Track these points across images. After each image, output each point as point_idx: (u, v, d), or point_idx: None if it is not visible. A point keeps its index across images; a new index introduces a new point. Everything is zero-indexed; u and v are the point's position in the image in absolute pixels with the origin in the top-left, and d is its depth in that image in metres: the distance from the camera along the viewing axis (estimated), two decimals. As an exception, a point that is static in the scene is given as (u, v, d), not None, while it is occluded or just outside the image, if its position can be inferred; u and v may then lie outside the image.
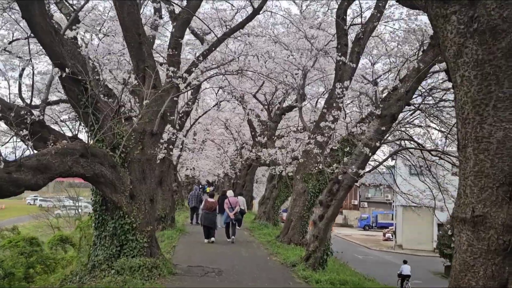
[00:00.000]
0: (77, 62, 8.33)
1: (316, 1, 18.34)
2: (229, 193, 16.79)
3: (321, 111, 13.98)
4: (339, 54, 14.28)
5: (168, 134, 13.93)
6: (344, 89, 11.95)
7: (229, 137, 35.09)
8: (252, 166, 28.42)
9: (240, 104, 26.32)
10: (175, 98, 12.04)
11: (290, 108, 22.27)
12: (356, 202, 69.36)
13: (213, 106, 27.47)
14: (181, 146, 29.32)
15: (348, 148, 11.89)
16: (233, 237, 15.24)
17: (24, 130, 7.81)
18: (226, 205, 15.33)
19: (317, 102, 25.22)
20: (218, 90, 26.14)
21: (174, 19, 14.08)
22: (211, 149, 39.71)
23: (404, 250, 39.68)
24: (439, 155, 10.69)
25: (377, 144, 9.73)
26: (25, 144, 8.38)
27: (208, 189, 37.80)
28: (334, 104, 12.62)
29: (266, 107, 23.18)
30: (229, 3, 19.83)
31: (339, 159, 14.60)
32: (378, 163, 15.48)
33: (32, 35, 9.32)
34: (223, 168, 37.84)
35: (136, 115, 9.43)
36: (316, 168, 12.22)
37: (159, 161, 14.66)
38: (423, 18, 17.63)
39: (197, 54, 14.62)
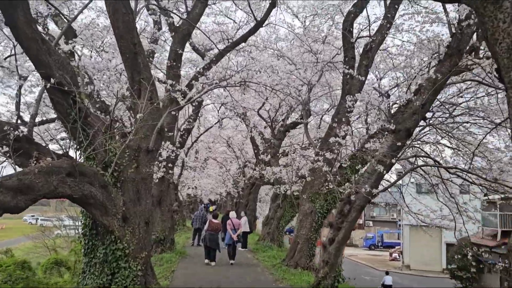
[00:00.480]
0: (66, 73, 7.65)
1: (319, 15, 17.72)
2: (232, 214, 16.31)
3: (329, 126, 13.25)
4: (347, 67, 13.63)
5: (168, 151, 13.19)
6: (354, 102, 11.24)
7: (232, 155, 34.43)
8: (255, 185, 27.60)
9: (242, 121, 25.70)
10: (173, 113, 11.36)
11: (294, 125, 21.57)
12: (361, 221, 68.17)
13: (215, 124, 26.82)
14: (181, 165, 28.66)
15: (359, 165, 11.11)
16: (232, 261, 14.92)
17: (5, 146, 7.13)
18: (229, 226, 14.94)
19: (321, 119, 24.58)
20: (220, 107, 25.56)
21: (174, 31, 13.51)
22: (213, 167, 39.04)
23: (411, 271, 38.54)
24: (458, 172, 9.93)
25: (393, 161, 8.97)
26: (8, 162, 7.70)
27: (211, 208, 37.11)
28: (344, 119, 11.89)
29: (270, 124, 22.47)
30: (230, 19, 19.32)
31: (347, 177, 13.85)
32: (388, 182, 14.71)
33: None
34: (225, 187, 37.11)
35: (131, 131, 8.72)
36: (326, 187, 11.41)
37: (157, 180, 13.92)
38: (435, 29, 16.81)
39: (198, 69, 14.01)
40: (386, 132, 9.38)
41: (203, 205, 40.09)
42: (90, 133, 8.00)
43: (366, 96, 12.14)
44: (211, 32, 18.09)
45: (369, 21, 14.01)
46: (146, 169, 8.49)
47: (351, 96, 11.42)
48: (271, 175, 18.86)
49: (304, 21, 18.25)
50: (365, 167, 15.04)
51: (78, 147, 7.88)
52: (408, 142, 10.40)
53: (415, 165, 10.60)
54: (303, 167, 19.91)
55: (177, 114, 15.11)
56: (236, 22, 19.24)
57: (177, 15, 12.41)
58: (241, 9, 17.99)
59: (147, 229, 8.41)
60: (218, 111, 25.37)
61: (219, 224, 14.64)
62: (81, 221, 8.43)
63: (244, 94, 20.66)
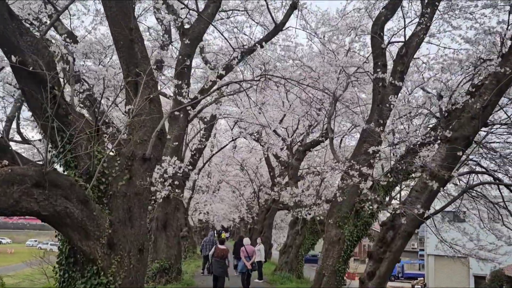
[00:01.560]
0: (41, 58, 6.04)
1: (340, 31, 16.06)
2: (246, 240, 15.31)
3: (361, 137, 11.49)
4: (379, 70, 12.00)
5: (174, 168, 11.49)
6: (394, 101, 9.52)
7: (245, 178, 32.69)
8: (271, 210, 25.66)
9: (257, 141, 24.07)
10: (177, 113, 9.67)
11: (315, 144, 19.76)
12: (379, 250, 65.28)
13: (230, 142, 25.16)
14: (192, 187, 26.97)
15: (400, 181, 9.26)
16: None
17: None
18: (243, 254, 14.10)
19: (341, 140, 22.87)
20: (234, 126, 23.95)
21: (183, 35, 12.01)
22: (226, 192, 37.45)
23: (437, 305, 35.91)
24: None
25: (453, 174, 7.13)
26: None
27: (224, 235, 35.60)
28: (381, 125, 10.11)
29: (288, 143, 20.71)
30: (245, 34, 17.80)
31: (380, 199, 11.99)
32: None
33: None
34: (238, 212, 35.36)
35: (122, 134, 7.04)
36: (369, 207, 9.43)
37: (161, 200, 12.18)
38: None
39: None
40: (440, 141, 7.56)
41: (214, 230, 38.27)
42: (73, 134, 6.31)
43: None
44: (225, 43, 16.68)
45: (404, 21, 12.31)
46: (141, 181, 6.75)
47: (394, 96, 9.67)
48: (290, 198, 17.01)
49: (323, 37, 16.68)
50: (403, 185, 13.20)
51: (51, 150, 6.18)
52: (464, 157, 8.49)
53: (473, 184, 8.70)
54: (325, 188, 18.04)
55: (186, 126, 13.53)
56: (251, 38, 17.78)
57: (186, 6, 10.85)
58: (257, 22, 16.54)
59: (141, 258, 6.60)
60: (232, 129, 23.72)
61: (226, 250, 13.60)
62: (58, 247, 6.66)
63: (264, 91, 18.98)
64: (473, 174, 11.07)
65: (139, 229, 6.63)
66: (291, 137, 20.47)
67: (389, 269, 7.77)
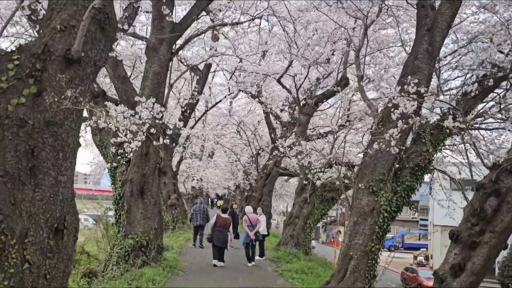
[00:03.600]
0: None
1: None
2: (248, 209, 13.91)
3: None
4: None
5: (151, 112, 8.28)
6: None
7: (242, 141, 29.64)
8: (271, 175, 22.59)
9: (256, 97, 20.89)
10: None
11: (329, 95, 16.54)
12: (379, 220, 63.31)
13: (226, 96, 21.90)
14: (183, 150, 23.95)
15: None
16: (253, 262, 13.18)
17: None
18: (246, 223, 13.29)
19: (350, 101, 19.84)
20: (231, 77, 20.64)
21: None
22: (221, 157, 34.61)
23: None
24: None
25: None
26: None
27: (219, 203, 33.15)
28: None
29: (295, 95, 17.51)
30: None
31: (428, 157, 9.05)
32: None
33: None
34: (234, 179, 32.54)
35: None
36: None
37: (132, 154, 8.99)
38: None
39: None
40: None
41: (204, 197, 35.43)
42: None
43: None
44: None
45: None
46: (60, 100, 3.56)
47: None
48: (298, 159, 13.92)
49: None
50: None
51: None
52: None
53: None
54: (338, 148, 14.95)
55: (168, 58, 10.28)
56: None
57: None
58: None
59: (58, 247, 3.39)
60: (229, 79, 20.41)
61: (229, 219, 12.93)
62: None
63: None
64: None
65: (54, 190, 3.43)
66: (300, 86, 17.24)
67: (489, 260, 4.72)
